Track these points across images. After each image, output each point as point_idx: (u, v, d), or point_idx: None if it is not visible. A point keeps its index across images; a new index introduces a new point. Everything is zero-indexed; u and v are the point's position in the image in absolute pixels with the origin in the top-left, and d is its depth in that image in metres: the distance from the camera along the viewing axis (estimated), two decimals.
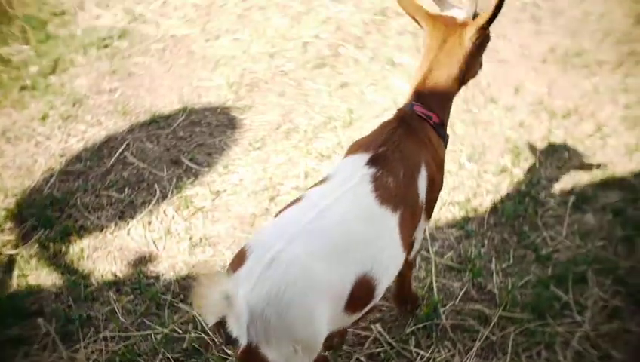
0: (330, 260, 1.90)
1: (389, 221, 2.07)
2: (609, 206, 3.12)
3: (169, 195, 3.14)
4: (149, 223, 3.02)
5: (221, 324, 1.78)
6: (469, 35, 2.27)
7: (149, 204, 3.10)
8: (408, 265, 2.61)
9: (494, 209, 3.08)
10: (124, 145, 3.40)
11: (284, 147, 3.40)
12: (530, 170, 3.29)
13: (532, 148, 3.41)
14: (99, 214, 3.05)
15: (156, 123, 3.55)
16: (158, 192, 3.15)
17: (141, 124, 3.55)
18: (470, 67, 2.35)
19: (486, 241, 2.96)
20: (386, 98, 3.69)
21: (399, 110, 2.31)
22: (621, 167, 3.32)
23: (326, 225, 1.93)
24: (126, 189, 3.18)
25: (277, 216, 2.04)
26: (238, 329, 1.80)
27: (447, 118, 2.39)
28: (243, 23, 4.24)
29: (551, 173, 3.28)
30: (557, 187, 3.21)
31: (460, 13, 2.36)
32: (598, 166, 3.33)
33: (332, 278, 1.90)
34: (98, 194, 3.16)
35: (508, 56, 4.01)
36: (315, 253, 1.88)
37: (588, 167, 3.33)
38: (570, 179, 3.25)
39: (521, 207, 3.09)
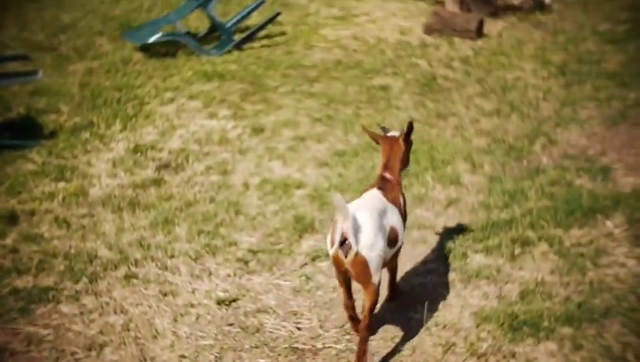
0: (379, 215, 4.63)
1: (394, 208, 4.88)
2: None
3: None
4: None
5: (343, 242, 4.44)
6: (401, 142, 5.18)
7: None
8: (395, 259, 5.18)
9: None
10: None
11: None
12: None
13: None
14: None
15: None
16: None
17: None
18: (406, 158, 5.26)
19: None
20: None
21: (379, 175, 5.10)
22: None
23: (373, 203, 4.73)
24: None
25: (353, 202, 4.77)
26: (352, 239, 4.39)
27: (401, 181, 5.20)
28: None
29: None
30: None
31: (396, 133, 5.27)
32: None
33: (382, 221, 4.63)
34: None
35: None
36: (374, 211, 4.62)
37: None
38: None
39: None
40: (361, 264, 4.47)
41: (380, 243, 4.54)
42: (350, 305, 4.94)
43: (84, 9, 12.58)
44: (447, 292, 5.62)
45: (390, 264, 5.11)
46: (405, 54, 10.22)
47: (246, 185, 7.21)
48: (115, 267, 6.00)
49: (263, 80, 9.49)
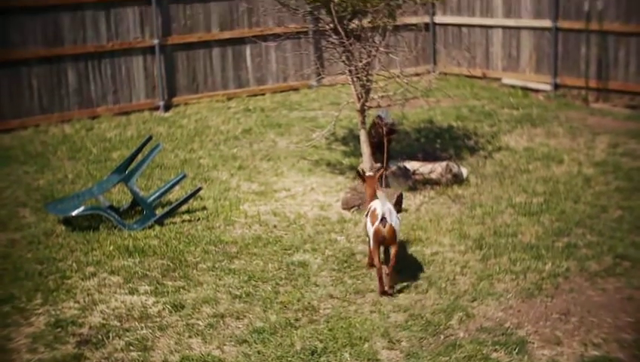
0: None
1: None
2: None
3: None
4: None
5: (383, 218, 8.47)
6: (377, 179, 9.31)
7: None
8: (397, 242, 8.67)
9: None
10: None
11: None
12: None
13: None
14: None
15: None
16: None
17: None
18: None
19: None
20: None
21: (372, 199, 8.92)
22: None
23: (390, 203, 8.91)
24: None
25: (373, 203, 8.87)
26: (388, 217, 8.40)
27: None
28: None
29: None
30: None
31: (371, 173, 9.48)
32: None
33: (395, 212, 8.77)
34: None
35: None
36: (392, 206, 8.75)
37: None
38: None
39: None
40: (393, 232, 8.42)
41: (398, 222, 8.63)
42: (381, 267, 8.55)
43: (8, 179, 12.87)
44: None
45: None
46: (324, 230, 10.57)
47: None
48: None
49: (184, 256, 9.79)
